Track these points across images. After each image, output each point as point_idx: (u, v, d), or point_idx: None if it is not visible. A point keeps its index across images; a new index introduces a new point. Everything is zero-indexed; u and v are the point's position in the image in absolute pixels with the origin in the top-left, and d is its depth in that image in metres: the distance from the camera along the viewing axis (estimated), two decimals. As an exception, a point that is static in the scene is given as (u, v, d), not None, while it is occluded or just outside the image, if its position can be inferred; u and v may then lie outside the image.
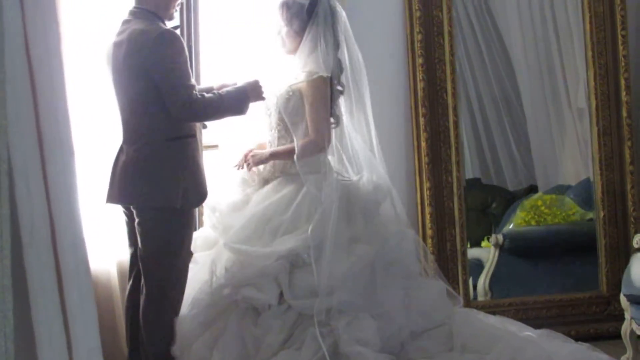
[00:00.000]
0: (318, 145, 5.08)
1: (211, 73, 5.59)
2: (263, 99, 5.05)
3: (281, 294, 4.87)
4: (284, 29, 5.18)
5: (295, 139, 5.06)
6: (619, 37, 6.32)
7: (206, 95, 4.85)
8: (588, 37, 6.30)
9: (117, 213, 5.14)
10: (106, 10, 5.27)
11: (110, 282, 5.39)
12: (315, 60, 5.12)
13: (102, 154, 5.17)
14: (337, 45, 5.18)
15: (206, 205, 5.17)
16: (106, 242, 5.36)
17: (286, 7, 5.15)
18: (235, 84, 5.03)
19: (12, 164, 2.05)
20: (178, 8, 5.08)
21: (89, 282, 2.46)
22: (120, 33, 4.92)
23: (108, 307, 5.26)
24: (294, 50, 5.19)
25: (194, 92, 4.79)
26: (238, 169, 5.21)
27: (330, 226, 4.96)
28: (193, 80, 4.95)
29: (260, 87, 5.03)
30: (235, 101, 4.95)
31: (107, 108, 5.10)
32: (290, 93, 5.12)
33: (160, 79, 4.76)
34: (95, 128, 5.27)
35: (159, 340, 4.89)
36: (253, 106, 5.03)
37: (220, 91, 4.95)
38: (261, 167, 5.21)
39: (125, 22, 4.93)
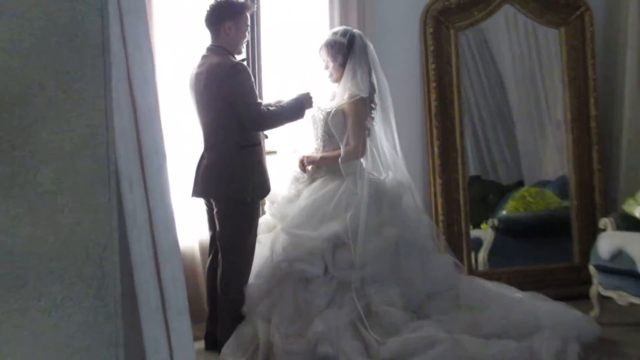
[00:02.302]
0: (357, 153, 5.07)
1: (271, 93, 5.56)
2: (312, 106, 5.07)
3: (326, 267, 4.88)
4: (331, 64, 5.15)
5: (341, 147, 5.05)
6: (589, 65, 6.25)
7: (270, 108, 4.91)
8: (565, 64, 6.24)
9: (198, 203, 5.17)
10: (189, 46, 5.28)
11: (194, 257, 5.40)
12: (356, 85, 5.10)
13: (186, 158, 5.20)
14: (369, 72, 5.16)
15: (267, 198, 5.16)
16: (190, 225, 5.35)
17: (330, 46, 5.13)
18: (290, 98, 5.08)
19: (118, 166, 2.04)
20: (245, 44, 5.09)
21: (179, 257, 2.45)
22: (200, 65, 4.94)
23: (192, 276, 5.26)
24: (339, 79, 5.17)
25: (261, 107, 4.84)
26: (301, 169, 5.20)
27: (363, 214, 4.94)
28: (259, 99, 4.98)
29: (311, 97, 5.05)
30: (294, 109, 4.99)
31: (190, 123, 5.13)
32: (333, 112, 5.10)
33: (235, 101, 4.79)
34: (181, 138, 5.28)
35: (232, 302, 4.89)
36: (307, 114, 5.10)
37: (281, 103, 4.99)
38: (310, 168, 5.20)
39: (204, 56, 4.95)
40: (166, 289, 2.30)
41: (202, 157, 4.96)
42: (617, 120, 6.34)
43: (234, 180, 4.85)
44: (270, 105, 5.01)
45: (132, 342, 2.09)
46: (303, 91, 5.07)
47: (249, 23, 5.03)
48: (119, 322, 1.97)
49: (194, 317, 4.36)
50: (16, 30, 1.88)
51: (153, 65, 2.46)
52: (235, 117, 4.82)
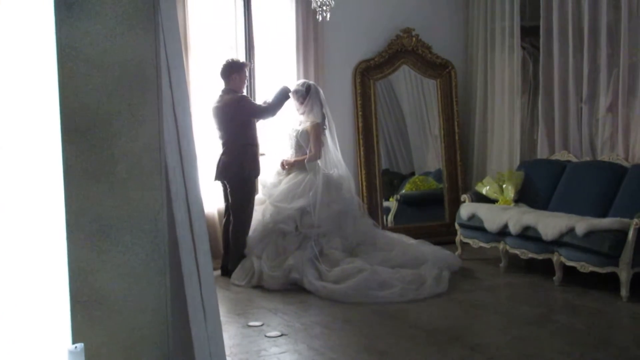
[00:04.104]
0: (316, 157, 5.10)
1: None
2: (290, 90, 5.11)
3: (296, 226, 4.87)
4: (296, 103, 5.18)
5: (307, 153, 5.09)
6: (454, 102, 6.29)
7: (268, 102, 5.03)
8: (439, 101, 6.25)
9: (217, 184, 5.09)
10: (211, 88, 5.17)
11: (215, 218, 5.32)
12: (314, 115, 5.13)
13: (210, 156, 5.09)
14: (322, 107, 5.16)
15: (260, 182, 5.14)
16: (212, 198, 5.25)
17: (296, 93, 5.17)
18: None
19: (167, 162, 2.02)
20: (245, 87, 5.09)
21: (204, 218, 2.41)
22: (218, 101, 4.96)
23: (213, 231, 5.20)
24: (304, 112, 5.18)
25: (263, 105, 5.00)
26: (282, 168, 5.18)
27: (319, 194, 4.95)
28: (259, 103, 5.10)
29: (288, 89, 5.11)
30: (280, 98, 5.04)
31: (212, 135, 5.06)
32: (301, 131, 5.13)
33: (251, 111, 4.90)
34: (205, 146, 5.17)
35: (239, 247, 4.87)
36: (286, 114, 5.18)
37: (271, 98, 5.06)
38: (287, 166, 5.18)
39: (220, 95, 4.98)
40: (196, 238, 2.27)
41: (221, 155, 4.95)
42: (471, 135, 6.40)
43: (239, 167, 4.85)
44: (266, 102, 5.11)
45: (175, 271, 2.06)
46: (281, 85, 5.12)
47: (247, 74, 5.04)
48: (166, 259, 1.96)
49: (214, 255, 4.35)
50: (103, 77, 1.86)
51: (188, 100, 2.43)
52: (240, 130, 4.85)
